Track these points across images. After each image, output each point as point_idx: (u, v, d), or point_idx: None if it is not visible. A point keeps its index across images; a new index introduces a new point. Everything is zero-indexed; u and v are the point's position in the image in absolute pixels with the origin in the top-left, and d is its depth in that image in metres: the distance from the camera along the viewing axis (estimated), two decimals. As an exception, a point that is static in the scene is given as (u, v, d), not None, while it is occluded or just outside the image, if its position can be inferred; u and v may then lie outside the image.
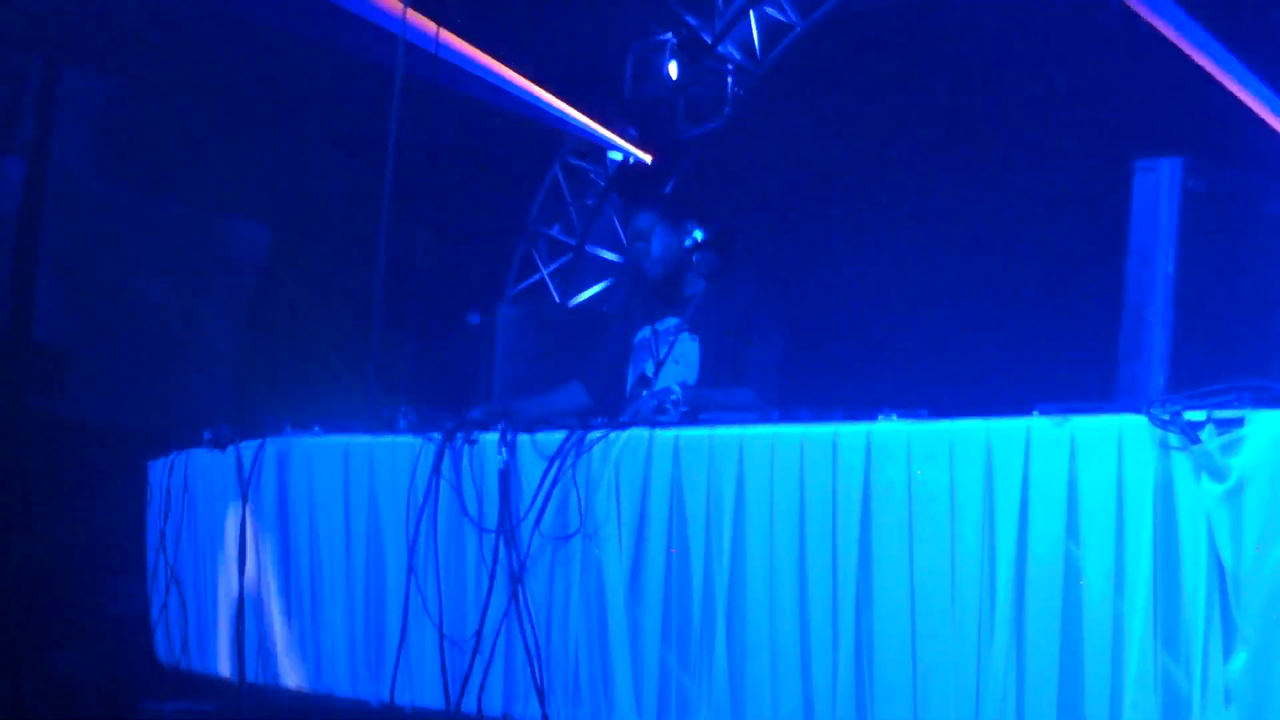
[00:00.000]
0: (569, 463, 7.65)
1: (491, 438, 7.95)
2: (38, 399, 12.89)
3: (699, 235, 8.66)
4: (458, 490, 7.97)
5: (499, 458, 7.84)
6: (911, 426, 7.00)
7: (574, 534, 7.64)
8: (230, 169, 14.09)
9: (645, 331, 8.68)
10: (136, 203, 14.12)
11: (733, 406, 7.94)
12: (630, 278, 10.04)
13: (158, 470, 9.86)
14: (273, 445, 8.96)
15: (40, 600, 10.98)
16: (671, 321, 8.60)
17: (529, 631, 7.67)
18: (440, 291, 14.39)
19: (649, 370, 8.53)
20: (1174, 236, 7.67)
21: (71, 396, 13.01)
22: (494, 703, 7.79)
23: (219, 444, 9.23)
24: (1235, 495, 6.28)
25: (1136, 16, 12.45)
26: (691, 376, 8.53)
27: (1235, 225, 7.90)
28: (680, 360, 8.53)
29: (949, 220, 13.88)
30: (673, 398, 8.01)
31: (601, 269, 15.81)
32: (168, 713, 9.52)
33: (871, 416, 7.10)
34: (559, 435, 7.73)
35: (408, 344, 13.85)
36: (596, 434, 7.66)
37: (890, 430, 7.04)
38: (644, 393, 8.47)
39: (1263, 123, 12.34)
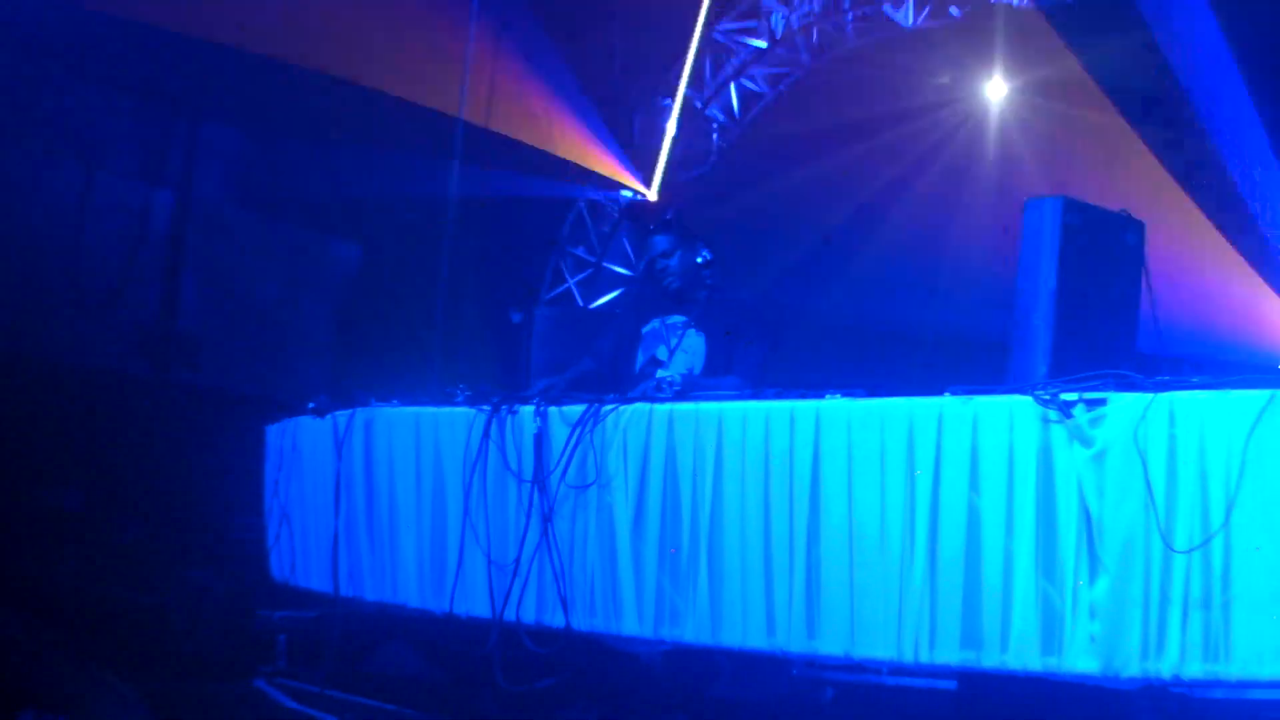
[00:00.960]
0: (587, 429, 7.69)
1: (528, 409, 8.00)
2: (180, 373, 12.92)
3: (707, 255, 8.73)
4: (502, 449, 8.00)
5: (534, 424, 7.89)
6: (851, 403, 7.03)
7: (591, 484, 7.67)
8: (332, 200, 14.12)
9: (655, 323, 8.70)
10: (258, 224, 14.14)
11: (720, 388, 7.98)
12: (641, 282, 10.01)
13: (273, 433, 9.90)
14: (361, 413, 8.99)
15: (179, 531, 11.00)
16: (679, 319, 8.63)
17: (556, 558, 7.71)
18: (490, 296, 14.41)
19: (661, 354, 8.56)
20: (1055, 257, 7.69)
21: (206, 372, 13.03)
22: (529, 613, 7.83)
23: (319, 412, 9.26)
24: (1099, 459, 6.34)
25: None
26: (698, 364, 8.56)
27: (1102, 251, 7.91)
28: (688, 350, 8.57)
29: (885, 248, 13.91)
30: (668, 380, 8.10)
31: (615, 281, 15.79)
32: (278, 619, 9.52)
33: (821, 395, 7.13)
34: (580, 407, 7.78)
35: (464, 336, 13.87)
36: (609, 407, 7.71)
37: (835, 406, 7.06)
38: (656, 371, 8.50)
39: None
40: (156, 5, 12.37)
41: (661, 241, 8.85)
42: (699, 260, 8.75)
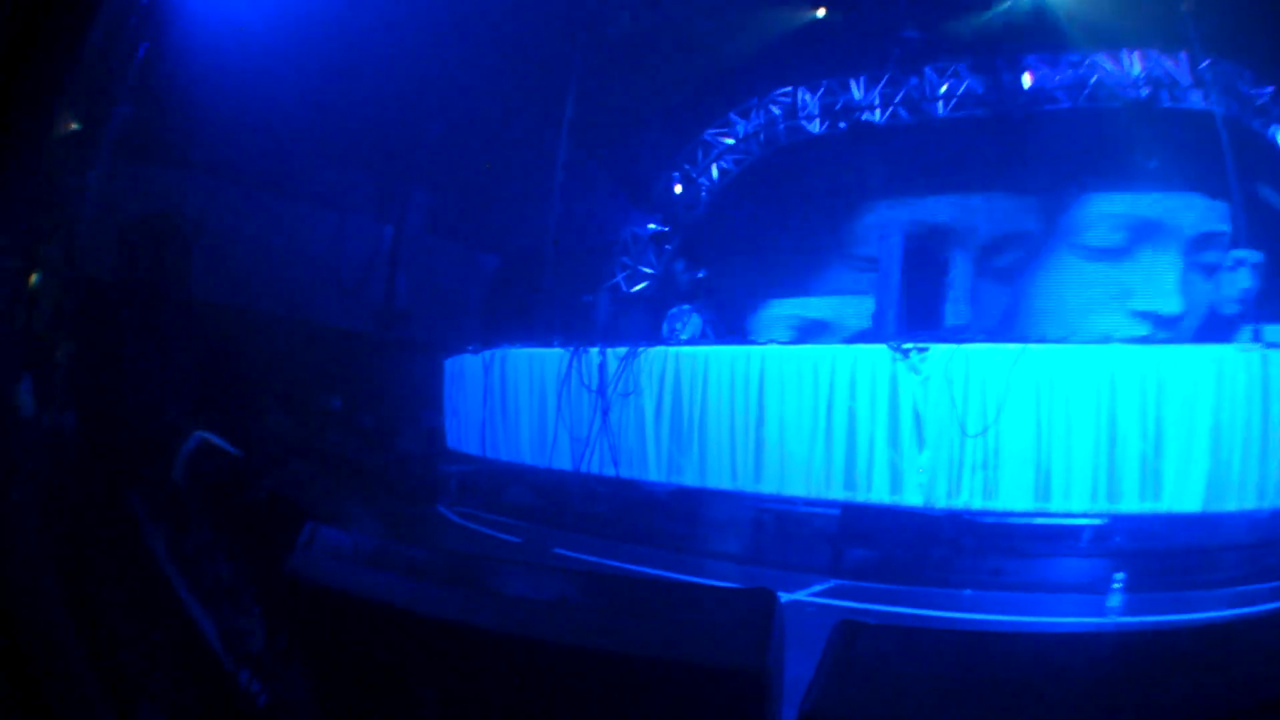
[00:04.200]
0: (629, 361, 7.65)
1: (594, 349, 7.97)
2: (396, 331, 12.91)
3: (703, 273, 8.75)
4: (579, 372, 7.96)
5: (598, 359, 7.85)
6: (782, 349, 7.03)
7: (630, 393, 7.64)
8: (481, 225, 14.06)
9: (675, 309, 8.68)
10: (440, 244, 14.07)
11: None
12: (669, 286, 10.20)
13: (449, 364, 9.90)
14: (499, 352, 9.00)
15: (394, 419, 11.01)
16: (687, 306, 8.59)
17: (610, 435, 7.69)
18: (573, 287, 14.33)
19: (678, 326, 8.50)
20: (899, 263, 7.67)
21: (411, 330, 12.99)
22: (595, 467, 7.80)
23: (475, 352, 9.26)
24: (925, 382, 6.33)
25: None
26: (698, 331, 8.49)
27: (926, 259, 7.89)
28: (691, 325, 8.52)
29: (807, 262, 13.74)
30: (675, 336, 8.15)
31: (644, 277, 15.62)
32: (451, 470, 9.53)
33: (764, 344, 7.12)
34: (624, 349, 7.75)
35: (557, 309, 13.82)
36: (642, 348, 7.67)
37: (772, 350, 7.05)
38: (675, 336, 8.48)
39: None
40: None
41: (679, 262, 8.91)
42: (699, 275, 8.76)
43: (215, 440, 5.04)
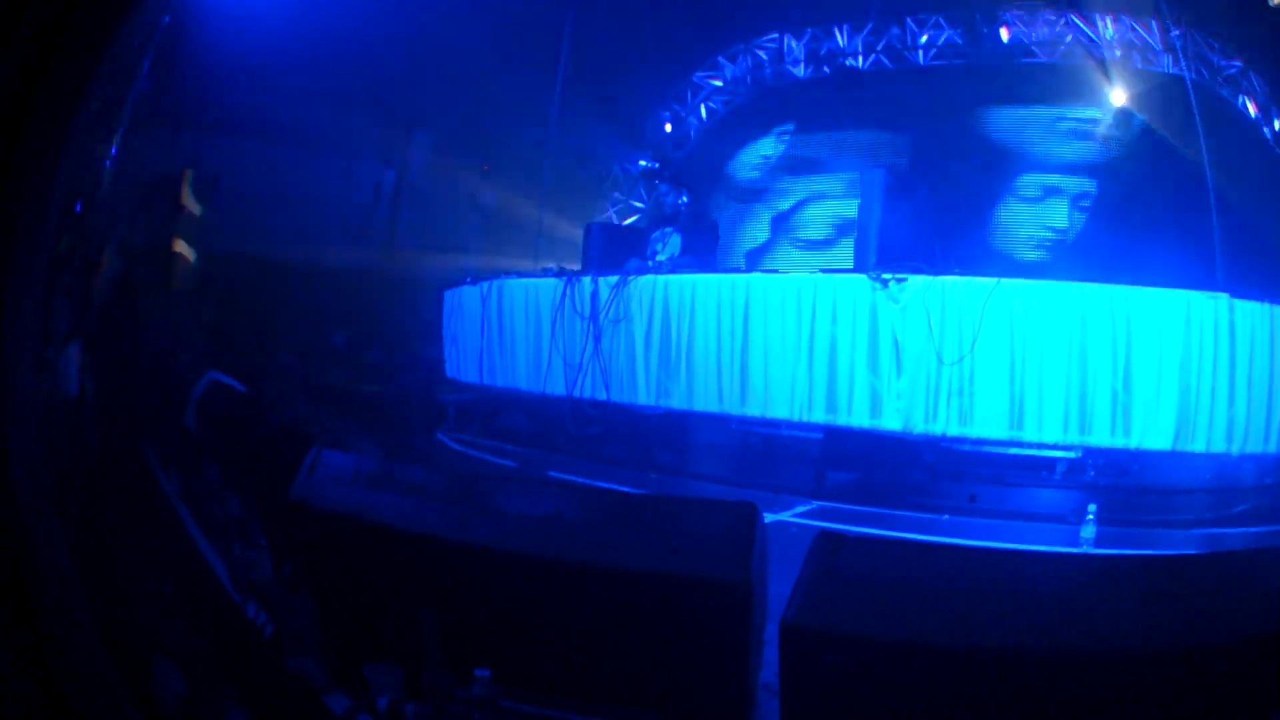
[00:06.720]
0: (620, 289, 7.54)
1: (587, 278, 7.86)
2: (398, 267, 12.82)
3: (687, 197, 8.62)
4: (573, 301, 7.85)
5: (590, 286, 7.75)
6: (767, 277, 6.96)
7: (620, 319, 7.52)
8: (479, 165, 13.90)
9: (658, 232, 8.56)
10: (439, 184, 13.89)
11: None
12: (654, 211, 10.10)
13: (448, 295, 9.76)
14: (495, 282, 8.89)
15: (396, 352, 10.93)
16: (669, 229, 8.47)
17: (602, 361, 7.60)
18: (567, 219, 14.19)
19: (659, 248, 8.40)
20: (880, 202, 7.59)
21: (413, 265, 12.90)
22: (587, 391, 7.71)
23: (473, 283, 9.16)
24: (904, 310, 6.29)
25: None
26: (676, 250, 8.38)
27: (905, 198, 7.82)
28: (671, 245, 8.39)
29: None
30: (663, 262, 8.02)
31: (635, 211, 15.38)
32: (449, 399, 9.47)
33: (750, 271, 7.06)
34: (615, 278, 7.63)
35: (554, 241, 13.70)
36: (632, 276, 7.56)
37: (757, 278, 6.99)
38: (655, 256, 8.37)
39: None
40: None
41: (664, 186, 8.80)
42: (683, 199, 8.65)
43: (225, 380, 5.00)
